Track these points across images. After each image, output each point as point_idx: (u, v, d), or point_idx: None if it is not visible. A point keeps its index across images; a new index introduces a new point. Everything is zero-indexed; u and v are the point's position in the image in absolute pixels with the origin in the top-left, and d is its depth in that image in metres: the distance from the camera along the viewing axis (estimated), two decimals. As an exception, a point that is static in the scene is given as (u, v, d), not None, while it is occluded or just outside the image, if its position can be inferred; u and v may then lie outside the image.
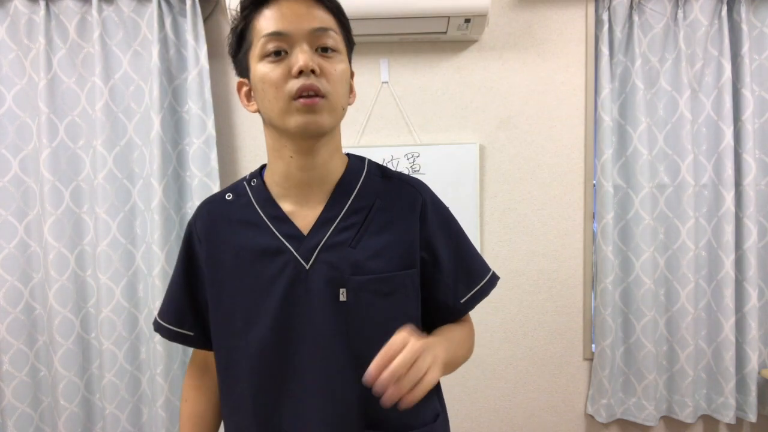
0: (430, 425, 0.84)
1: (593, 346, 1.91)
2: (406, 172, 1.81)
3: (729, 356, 1.80)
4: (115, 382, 1.74)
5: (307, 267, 0.79)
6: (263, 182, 0.85)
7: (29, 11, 1.68)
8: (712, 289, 1.84)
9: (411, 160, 1.81)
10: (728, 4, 1.74)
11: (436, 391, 0.90)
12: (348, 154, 0.89)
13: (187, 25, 1.68)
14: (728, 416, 1.83)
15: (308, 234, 0.80)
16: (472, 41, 1.82)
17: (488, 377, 1.92)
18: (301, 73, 0.72)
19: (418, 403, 0.74)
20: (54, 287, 1.71)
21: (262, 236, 0.81)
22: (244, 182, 0.87)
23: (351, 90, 0.83)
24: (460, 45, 1.82)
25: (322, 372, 0.79)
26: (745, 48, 1.75)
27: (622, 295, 1.86)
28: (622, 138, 1.82)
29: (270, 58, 0.74)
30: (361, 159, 0.89)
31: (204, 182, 1.71)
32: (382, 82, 1.82)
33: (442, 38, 1.77)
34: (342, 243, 0.80)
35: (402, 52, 1.82)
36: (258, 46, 0.74)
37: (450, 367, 0.81)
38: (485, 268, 0.92)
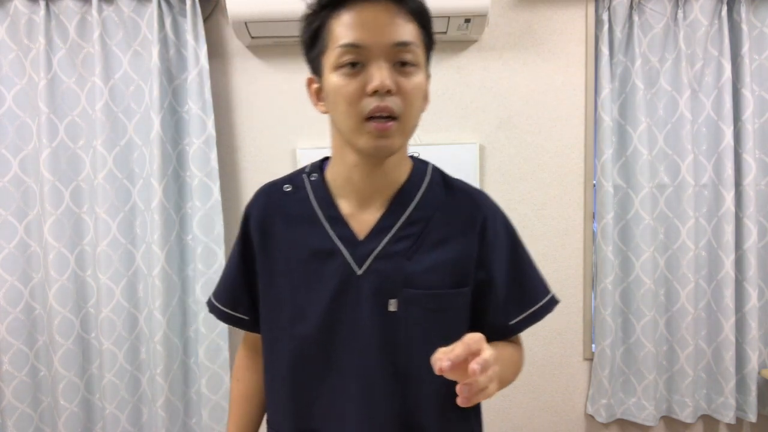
0: None
1: (593, 346, 1.91)
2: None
3: (729, 356, 1.80)
4: (115, 382, 1.74)
5: (359, 273, 0.78)
6: (323, 178, 0.83)
7: (29, 11, 1.68)
8: (712, 289, 1.84)
9: (411, 160, 1.81)
10: (728, 4, 1.74)
11: (476, 411, 0.89)
12: (412, 157, 0.86)
13: (187, 25, 1.68)
14: (728, 416, 1.83)
15: (364, 239, 0.79)
16: (472, 41, 1.82)
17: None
18: (375, 92, 0.68)
19: (458, 420, 0.78)
20: (54, 287, 1.71)
21: (316, 235, 0.79)
22: (303, 174, 0.85)
23: (425, 97, 0.78)
24: (460, 45, 1.82)
25: (362, 379, 0.78)
26: (745, 48, 1.75)
27: (622, 295, 1.86)
28: (622, 138, 1.82)
29: (344, 70, 0.70)
30: (425, 164, 0.87)
31: (204, 182, 1.71)
32: (382, 82, 1.82)
33: (442, 38, 1.77)
34: (397, 253, 0.78)
35: (402, 52, 1.82)
36: (333, 54, 0.70)
37: (497, 386, 0.74)
38: (543, 291, 0.88)
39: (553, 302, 0.88)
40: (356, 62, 0.69)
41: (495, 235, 0.82)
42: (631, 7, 1.76)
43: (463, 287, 0.80)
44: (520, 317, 0.85)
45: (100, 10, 1.68)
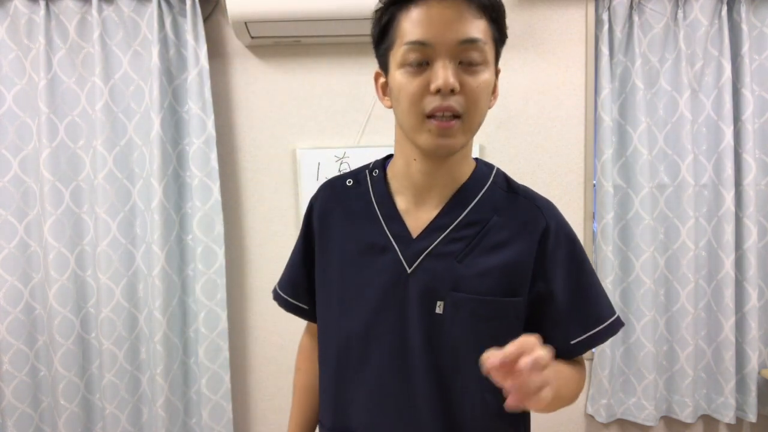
0: None
1: (593, 346, 1.91)
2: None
3: (729, 356, 1.80)
4: (115, 382, 1.74)
5: (409, 271, 0.77)
6: (384, 174, 0.83)
7: (29, 11, 1.68)
8: (712, 289, 1.84)
9: (411, 160, 1.81)
10: (728, 4, 1.74)
11: (525, 422, 0.86)
12: (476, 159, 0.84)
13: (187, 25, 1.68)
14: (728, 416, 1.83)
15: (417, 237, 0.78)
16: (472, 41, 1.82)
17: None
18: (438, 91, 0.67)
19: (503, 427, 0.77)
20: (54, 287, 1.71)
21: (372, 231, 0.79)
22: (367, 170, 0.86)
23: (493, 92, 0.76)
24: (460, 45, 1.82)
25: (404, 380, 0.77)
26: (745, 48, 1.75)
27: (622, 295, 1.86)
28: (622, 138, 1.82)
29: (409, 68, 0.69)
30: (490, 167, 0.84)
31: (204, 182, 1.71)
32: (382, 82, 1.82)
33: (442, 38, 1.77)
34: (449, 254, 0.76)
35: (402, 52, 1.82)
36: (399, 51, 0.70)
37: (553, 402, 0.67)
38: (609, 311, 0.82)
39: (619, 324, 0.82)
40: (422, 61, 0.68)
41: (557, 246, 0.78)
42: (631, 7, 1.76)
43: (516, 297, 0.76)
44: (583, 337, 0.79)
45: (100, 10, 1.68)
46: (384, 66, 0.76)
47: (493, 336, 0.74)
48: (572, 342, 0.79)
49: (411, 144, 0.75)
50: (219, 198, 1.73)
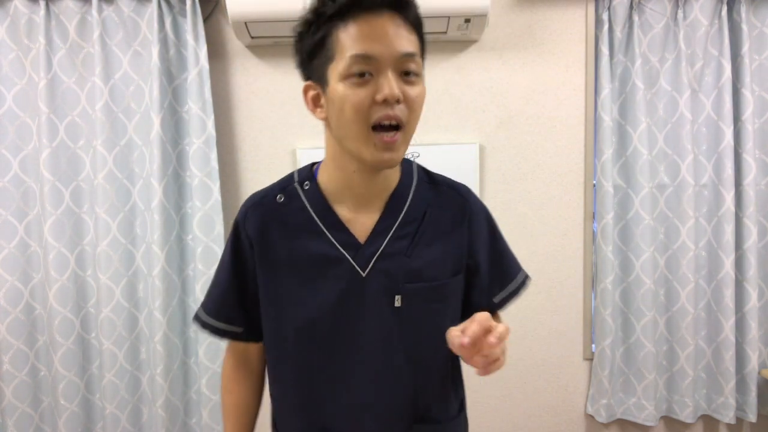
0: (459, 415, 0.93)
1: (593, 346, 1.91)
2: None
3: (729, 356, 1.80)
4: (115, 382, 1.74)
5: (363, 275, 0.81)
6: (317, 186, 0.85)
7: (29, 11, 1.68)
8: (712, 289, 1.84)
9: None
10: (728, 4, 1.74)
11: (461, 381, 0.97)
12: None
13: (187, 25, 1.68)
14: (728, 416, 1.83)
15: (365, 243, 0.82)
16: (472, 41, 1.82)
17: (488, 377, 1.92)
18: (385, 101, 0.71)
19: (453, 393, 0.88)
20: (54, 287, 1.71)
21: (319, 243, 0.82)
22: (295, 184, 0.86)
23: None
24: (460, 45, 1.82)
25: (372, 373, 0.82)
26: (745, 48, 1.75)
27: (622, 295, 1.86)
28: (622, 138, 1.82)
29: (353, 80, 0.71)
30: (410, 164, 0.90)
31: (204, 182, 1.71)
32: (382, 82, 1.82)
33: (442, 38, 1.77)
34: (397, 252, 0.82)
35: (402, 52, 1.82)
36: (342, 64, 0.72)
37: None
38: (518, 268, 0.96)
39: (528, 279, 0.97)
40: (365, 72, 0.71)
41: (479, 226, 0.90)
42: (631, 7, 1.76)
43: (458, 275, 0.87)
44: (503, 295, 0.93)
45: (100, 10, 1.68)
46: (319, 78, 0.77)
47: (446, 313, 0.86)
48: (494, 300, 0.92)
49: (350, 157, 0.78)
50: (219, 198, 1.73)
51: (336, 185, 0.83)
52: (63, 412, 1.74)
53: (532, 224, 1.88)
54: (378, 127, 0.72)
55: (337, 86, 0.73)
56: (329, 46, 0.73)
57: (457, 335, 0.67)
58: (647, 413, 1.84)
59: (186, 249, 1.78)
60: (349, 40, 0.71)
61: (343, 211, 0.83)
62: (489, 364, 0.69)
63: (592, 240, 1.88)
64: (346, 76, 0.72)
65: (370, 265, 0.81)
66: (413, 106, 0.74)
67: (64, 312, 1.72)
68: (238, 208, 0.90)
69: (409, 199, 0.85)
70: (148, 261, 1.74)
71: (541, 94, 1.84)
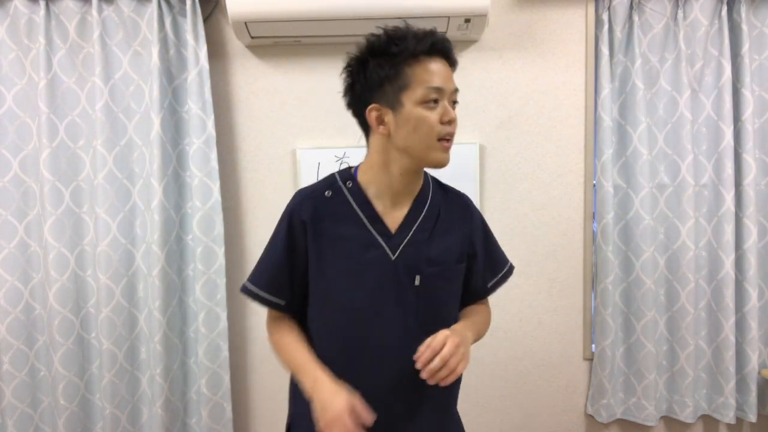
0: (458, 382, 1.09)
1: (593, 346, 1.91)
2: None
3: (729, 356, 1.80)
4: (115, 382, 1.74)
5: (393, 258, 1.02)
6: (359, 185, 1.05)
7: (29, 11, 1.68)
8: (712, 289, 1.84)
9: (411, 160, 1.81)
10: (728, 4, 1.74)
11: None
12: None
13: (187, 25, 1.68)
14: (728, 416, 1.83)
15: (396, 232, 1.03)
16: (472, 41, 1.82)
17: (488, 377, 1.92)
18: (449, 121, 0.97)
19: (453, 385, 1.03)
20: (54, 287, 1.71)
21: (360, 230, 1.03)
22: (340, 183, 1.06)
23: None
24: (460, 45, 1.82)
25: (401, 332, 1.01)
26: (745, 48, 1.75)
27: (622, 295, 1.86)
28: (622, 138, 1.82)
29: (428, 105, 0.95)
30: (426, 173, 1.12)
31: (204, 182, 1.71)
32: (382, 82, 1.82)
33: (442, 38, 1.77)
34: (420, 241, 1.04)
35: (402, 52, 1.82)
36: (419, 91, 0.95)
37: (477, 341, 1.09)
38: (505, 259, 1.19)
39: (512, 267, 1.19)
40: (437, 99, 0.96)
41: (476, 224, 1.13)
42: (631, 7, 1.76)
43: (462, 262, 1.09)
44: (494, 280, 1.16)
45: (100, 10, 1.68)
46: (388, 102, 0.97)
47: (453, 292, 1.08)
48: (488, 285, 1.15)
49: (404, 161, 1.01)
50: (219, 198, 1.73)
51: (377, 185, 1.04)
52: (63, 412, 1.74)
53: (532, 224, 1.88)
54: (441, 139, 0.97)
55: (414, 109, 0.96)
56: (405, 77, 0.95)
57: (418, 359, 0.90)
58: (647, 413, 1.84)
59: (186, 249, 1.78)
60: (426, 74, 0.95)
61: (379, 206, 1.04)
62: (443, 378, 0.89)
63: (592, 240, 1.88)
64: (422, 102, 0.95)
65: (399, 250, 1.02)
66: (456, 126, 1.00)
67: (64, 312, 1.72)
68: (239, 208, 1.07)
69: (428, 200, 1.07)
70: (147, 261, 1.74)
71: (541, 94, 1.84)
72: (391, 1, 1.57)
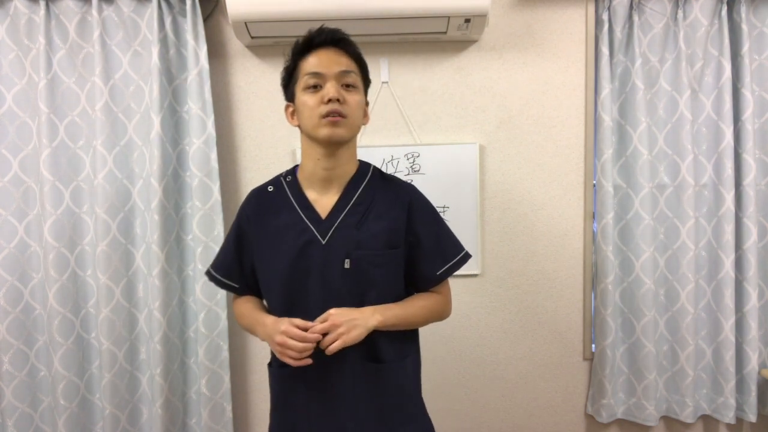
0: (405, 360, 1.17)
1: (593, 346, 1.91)
2: (406, 172, 1.81)
3: (729, 356, 1.80)
4: (115, 382, 1.74)
5: (323, 242, 1.10)
6: (296, 179, 1.16)
7: (29, 11, 1.68)
8: (712, 289, 1.84)
9: (411, 160, 1.81)
10: (728, 4, 1.74)
11: (413, 340, 1.22)
12: (360, 161, 1.19)
13: (187, 25, 1.68)
14: (728, 416, 1.83)
15: (326, 218, 1.11)
16: (472, 41, 1.82)
17: (488, 377, 1.92)
18: (329, 101, 1.03)
19: (396, 344, 1.13)
20: (54, 287, 1.71)
21: (293, 218, 1.12)
22: (281, 178, 1.19)
23: (365, 115, 1.16)
24: (460, 45, 1.82)
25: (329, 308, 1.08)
26: (745, 48, 1.75)
27: (622, 295, 1.86)
28: (622, 138, 1.82)
29: (309, 90, 1.06)
30: (368, 165, 1.20)
31: (204, 182, 1.71)
32: (382, 82, 1.82)
33: (442, 38, 1.77)
34: (349, 225, 1.10)
35: (402, 52, 1.82)
36: (302, 80, 1.07)
37: (402, 323, 1.12)
38: (459, 249, 1.21)
39: (467, 256, 1.20)
40: (317, 84, 1.06)
41: (418, 212, 1.16)
42: (631, 7, 1.76)
43: (396, 248, 1.13)
44: (444, 268, 1.18)
45: (100, 10, 1.68)
46: (292, 97, 1.11)
47: (384, 277, 1.12)
48: (437, 273, 1.17)
49: (314, 145, 1.09)
50: (219, 198, 1.73)
51: (306, 174, 1.14)
52: (63, 412, 1.74)
53: (532, 224, 1.87)
54: (326, 116, 1.04)
55: (300, 96, 1.08)
56: (296, 73, 1.10)
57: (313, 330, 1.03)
58: (647, 413, 1.84)
59: (186, 249, 1.78)
60: (306, 65, 1.07)
61: (312, 195, 1.13)
62: (330, 342, 1.02)
63: (592, 240, 1.88)
64: (304, 88, 1.07)
65: (329, 235, 1.10)
66: (351, 106, 1.06)
67: (63, 312, 1.72)
68: (239, 208, 1.21)
69: (361, 187, 1.14)
70: (147, 261, 1.74)
71: (541, 94, 1.84)
72: (391, 2, 1.57)
